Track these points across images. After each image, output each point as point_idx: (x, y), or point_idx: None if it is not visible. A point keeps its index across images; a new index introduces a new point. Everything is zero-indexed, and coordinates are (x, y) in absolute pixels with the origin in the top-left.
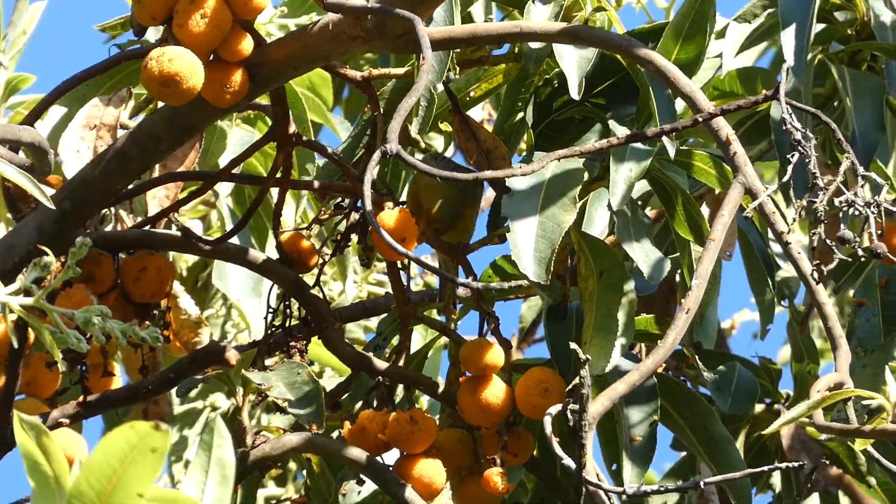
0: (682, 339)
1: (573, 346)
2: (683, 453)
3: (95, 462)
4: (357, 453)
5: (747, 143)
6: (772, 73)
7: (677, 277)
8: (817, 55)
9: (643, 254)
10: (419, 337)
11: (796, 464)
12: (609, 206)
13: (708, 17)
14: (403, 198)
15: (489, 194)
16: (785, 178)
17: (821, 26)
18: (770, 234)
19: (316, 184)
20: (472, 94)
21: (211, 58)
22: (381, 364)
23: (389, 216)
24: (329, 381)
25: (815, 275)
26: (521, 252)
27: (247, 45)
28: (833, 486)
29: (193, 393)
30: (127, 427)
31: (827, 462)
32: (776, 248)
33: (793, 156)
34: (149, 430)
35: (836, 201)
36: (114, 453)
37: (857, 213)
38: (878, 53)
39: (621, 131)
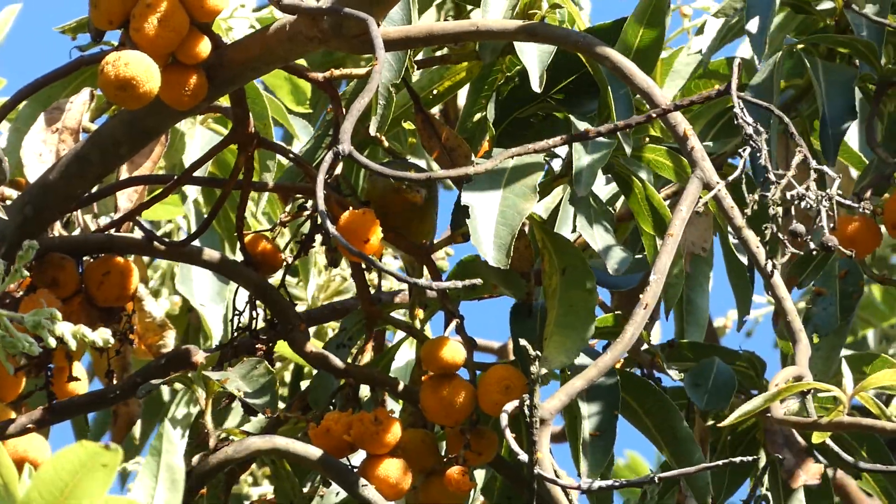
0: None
1: (523, 342)
2: None
3: (46, 474)
4: (318, 454)
5: (724, 138)
6: (753, 63)
7: None
8: (794, 46)
9: (604, 244)
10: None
11: (749, 458)
12: (570, 198)
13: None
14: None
15: None
16: (736, 173)
17: (800, 17)
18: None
19: (277, 185)
20: (434, 91)
21: (169, 61)
22: (345, 365)
23: (350, 217)
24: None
25: (769, 268)
26: (482, 237)
27: (204, 47)
28: (815, 481)
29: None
30: (77, 445)
31: (807, 455)
32: None
33: (744, 149)
34: (98, 448)
35: (788, 195)
36: (64, 467)
37: (808, 206)
38: (841, 49)
39: (583, 127)
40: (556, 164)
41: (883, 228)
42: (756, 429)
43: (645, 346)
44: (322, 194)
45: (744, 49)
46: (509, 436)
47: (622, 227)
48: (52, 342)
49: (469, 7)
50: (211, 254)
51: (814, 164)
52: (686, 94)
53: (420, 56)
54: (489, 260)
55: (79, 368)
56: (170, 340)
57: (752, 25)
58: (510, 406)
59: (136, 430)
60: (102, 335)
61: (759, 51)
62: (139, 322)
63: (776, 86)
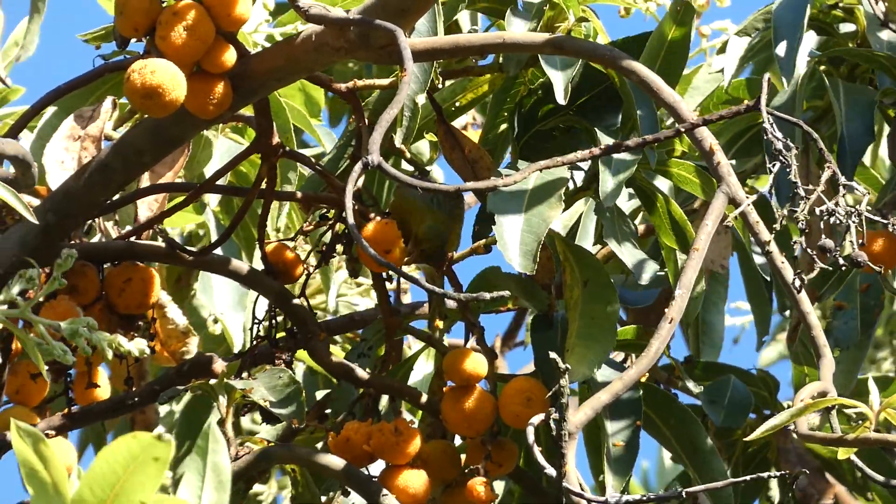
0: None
1: (552, 355)
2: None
3: (98, 470)
4: (340, 464)
5: (744, 156)
6: (774, 84)
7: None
8: (818, 68)
9: (630, 256)
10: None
11: (777, 473)
12: (596, 210)
13: None
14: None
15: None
16: (766, 188)
17: (822, 38)
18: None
19: (300, 195)
20: (457, 104)
21: (194, 69)
22: (366, 375)
23: (374, 227)
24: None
25: (797, 284)
26: (508, 244)
27: (230, 56)
28: (829, 502)
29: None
30: (130, 437)
31: (823, 474)
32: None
33: (775, 165)
34: (151, 440)
35: (818, 210)
36: (117, 461)
37: (838, 222)
38: (863, 64)
39: (607, 141)
40: (577, 177)
41: None
42: (768, 448)
43: (664, 361)
44: (351, 203)
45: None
46: (536, 450)
47: (641, 244)
48: (90, 351)
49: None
50: (232, 263)
51: (843, 179)
52: (705, 112)
53: (441, 68)
54: (515, 266)
55: (100, 375)
56: (192, 347)
57: (781, 48)
58: (536, 419)
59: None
60: (138, 345)
61: (787, 73)
62: (162, 329)
63: (798, 105)
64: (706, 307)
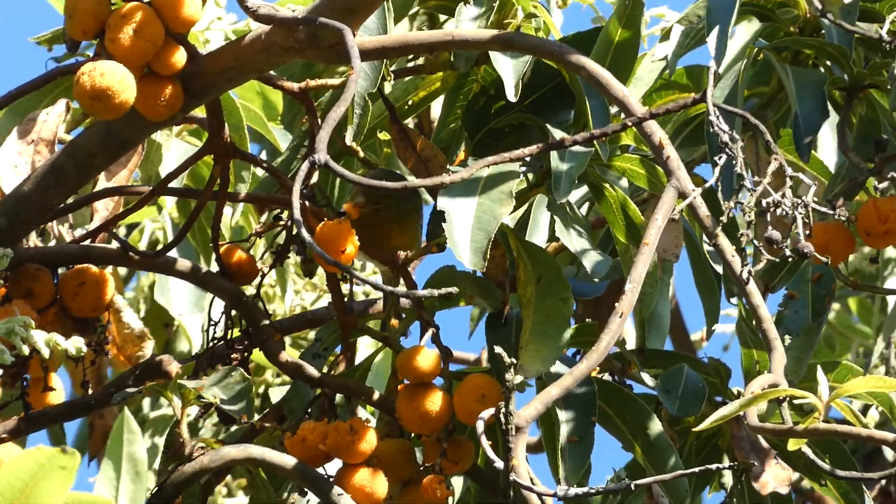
0: (635, 342)
1: (498, 350)
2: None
3: (4, 477)
4: (296, 464)
5: (688, 147)
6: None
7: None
8: (764, 53)
9: (582, 248)
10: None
11: (728, 465)
12: (549, 206)
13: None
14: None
15: None
16: (712, 181)
17: (763, 24)
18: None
19: (253, 196)
20: (410, 102)
21: (145, 71)
22: (321, 374)
23: (326, 227)
24: None
25: (745, 276)
26: (458, 241)
27: (180, 57)
28: (784, 488)
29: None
30: (35, 449)
31: (777, 460)
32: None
33: (721, 158)
34: (55, 452)
35: (764, 202)
36: (23, 470)
37: (784, 213)
38: (809, 53)
39: (559, 136)
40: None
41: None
42: (720, 435)
43: (616, 351)
44: (298, 204)
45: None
46: (485, 443)
47: (593, 235)
48: (26, 350)
49: (443, 17)
50: (185, 264)
51: (790, 171)
52: (648, 102)
53: (394, 66)
54: (466, 263)
55: (55, 379)
56: (148, 350)
57: (713, 33)
58: (486, 414)
59: None
60: (75, 343)
61: (719, 57)
62: (118, 333)
63: (740, 94)
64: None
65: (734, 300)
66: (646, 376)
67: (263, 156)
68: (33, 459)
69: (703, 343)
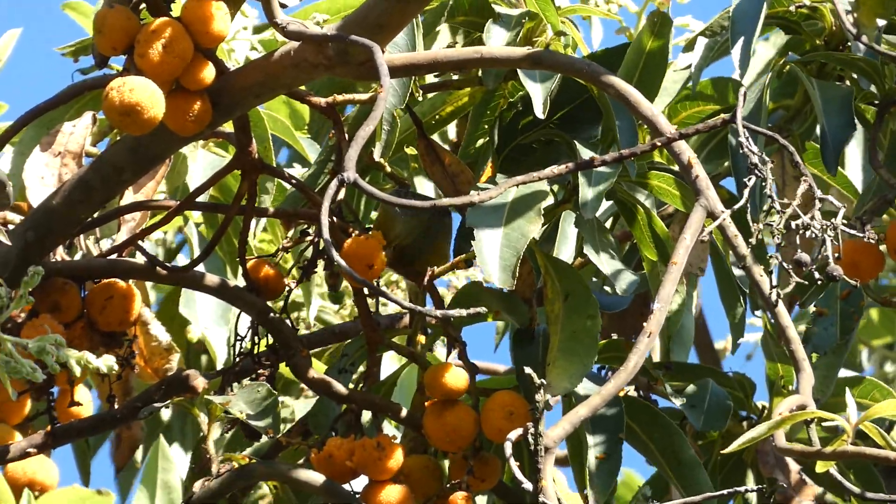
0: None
1: (527, 370)
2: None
3: None
4: (321, 480)
5: (712, 162)
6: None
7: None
8: (783, 68)
9: (611, 266)
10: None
11: (755, 488)
12: (576, 223)
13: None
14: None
15: None
16: (741, 202)
17: (788, 37)
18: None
19: (280, 211)
20: (437, 117)
21: (173, 87)
22: (348, 390)
23: (353, 243)
24: None
25: (774, 297)
26: (487, 258)
27: (209, 73)
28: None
29: None
30: (70, 489)
31: (804, 478)
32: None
33: (749, 179)
34: (91, 494)
35: (793, 224)
36: None
37: (813, 235)
38: (837, 68)
39: (586, 154)
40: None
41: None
42: (744, 450)
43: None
44: (326, 221)
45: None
46: (513, 464)
47: (619, 250)
48: (57, 368)
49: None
50: (213, 279)
51: (819, 193)
52: (672, 112)
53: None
54: (495, 281)
55: (82, 393)
56: (175, 363)
57: (737, 45)
58: (514, 434)
59: (139, 454)
60: (106, 362)
61: (743, 69)
62: (145, 346)
63: (764, 109)
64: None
65: (759, 313)
66: (675, 399)
67: (294, 170)
68: (67, 501)
69: (727, 352)
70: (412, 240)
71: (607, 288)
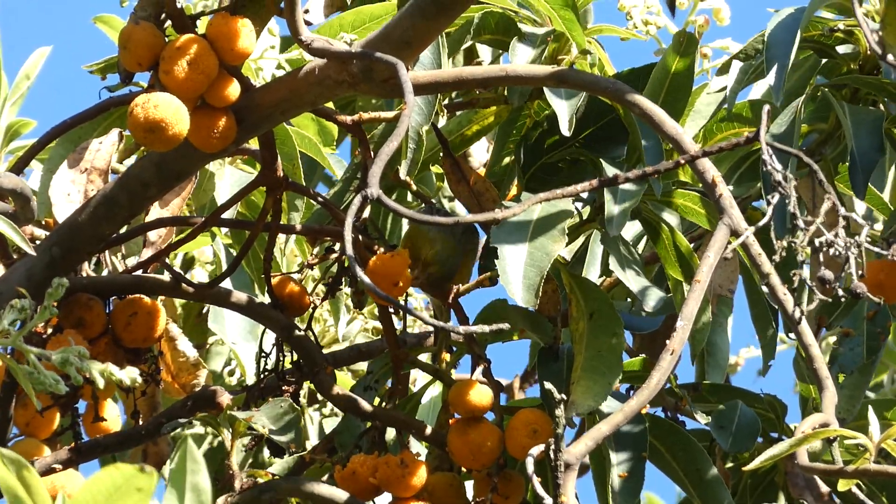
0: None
1: (548, 386)
2: None
3: (81, 499)
4: (344, 497)
5: (744, 184)
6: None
7: None
8: (824, 91)
9: (637, 284)
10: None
11: None
12: (602, 240)
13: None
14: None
15: None
16: (764, 220)
17: (823, 61)
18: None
19: (305, 228)
20: (463, 135)
21: (198, 103)
22: (372, 407)
23: (379, 260)
24: None
25: (797, 315)
26: (510, 278)
27: (233, 90)
28: None
29: None
30: (112, 468)
31: (834, 500)
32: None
33: (774, 196)
34: (134, 471)
35: (817, 242)
36: (100, 491)
37: (837, 253)
38: (868, 91)
39: (612, 172)
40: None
41: None
42: (775, 471)
43: (668, 387)
44: (350, 238)
45: (763, 89)
46: (535, 480)
47: (646, 270)
48: (80, 380)
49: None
50: (238, 296)
51: (843, 211)
52: (708, 134)
53: (446, 101)
54: (518, 300)
55: (109, 408)
56: (203, 379)
57: (772, 68)
58: (536, 451)
59: (166, 470)
60: (130, 374)
61: (776, 93)
62: (172, 361)
63: (797, 131)
64: (712, 328)
65: (791, 337)
66: (700, 416)
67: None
68: (111, 480)
69: (738, 367)
70: (447, 264)
71: (638, 308)
